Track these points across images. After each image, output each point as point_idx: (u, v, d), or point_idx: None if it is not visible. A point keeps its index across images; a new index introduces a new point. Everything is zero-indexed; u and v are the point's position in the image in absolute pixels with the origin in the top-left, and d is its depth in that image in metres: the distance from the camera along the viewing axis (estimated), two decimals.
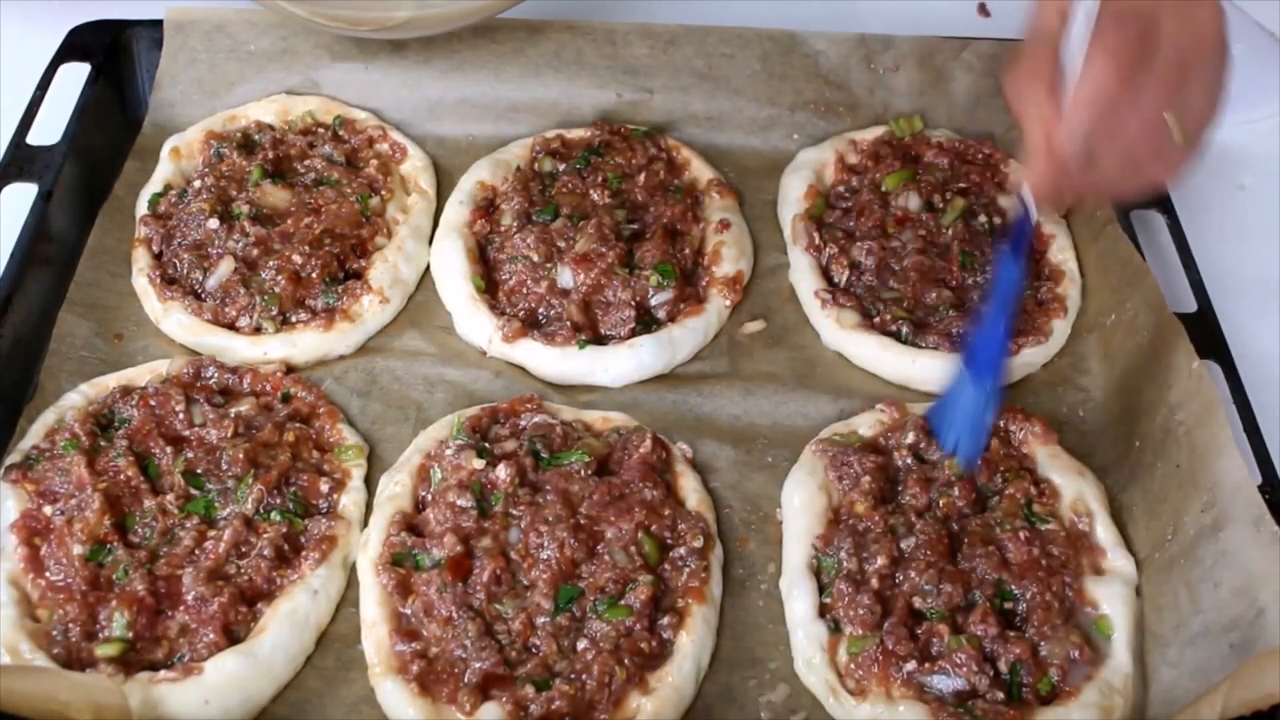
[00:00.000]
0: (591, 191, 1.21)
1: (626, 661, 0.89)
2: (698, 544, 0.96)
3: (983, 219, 1.21)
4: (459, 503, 0.97)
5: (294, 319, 1.12)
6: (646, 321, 1.13)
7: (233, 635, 0.91)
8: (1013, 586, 0.94)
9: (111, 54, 1.29)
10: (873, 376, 1.13)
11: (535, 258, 1.14)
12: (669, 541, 0.97)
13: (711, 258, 1.18)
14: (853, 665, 0.91)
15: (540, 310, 1.13)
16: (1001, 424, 1.05)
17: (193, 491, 0.98)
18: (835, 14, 1.41)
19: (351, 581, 0.97)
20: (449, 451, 1.01)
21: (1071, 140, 0.88)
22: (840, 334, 1.13)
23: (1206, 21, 0.90)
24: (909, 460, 1.03)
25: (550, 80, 1.30)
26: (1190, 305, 1.11)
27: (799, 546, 0.98)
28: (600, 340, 1.12)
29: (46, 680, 0.81)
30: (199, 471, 0.99)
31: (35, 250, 1.11)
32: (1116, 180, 0.93)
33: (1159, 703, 0.90)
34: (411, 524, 0.98)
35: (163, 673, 0.88)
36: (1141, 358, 1.06)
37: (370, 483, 1.03)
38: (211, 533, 0.95)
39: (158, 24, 1.29)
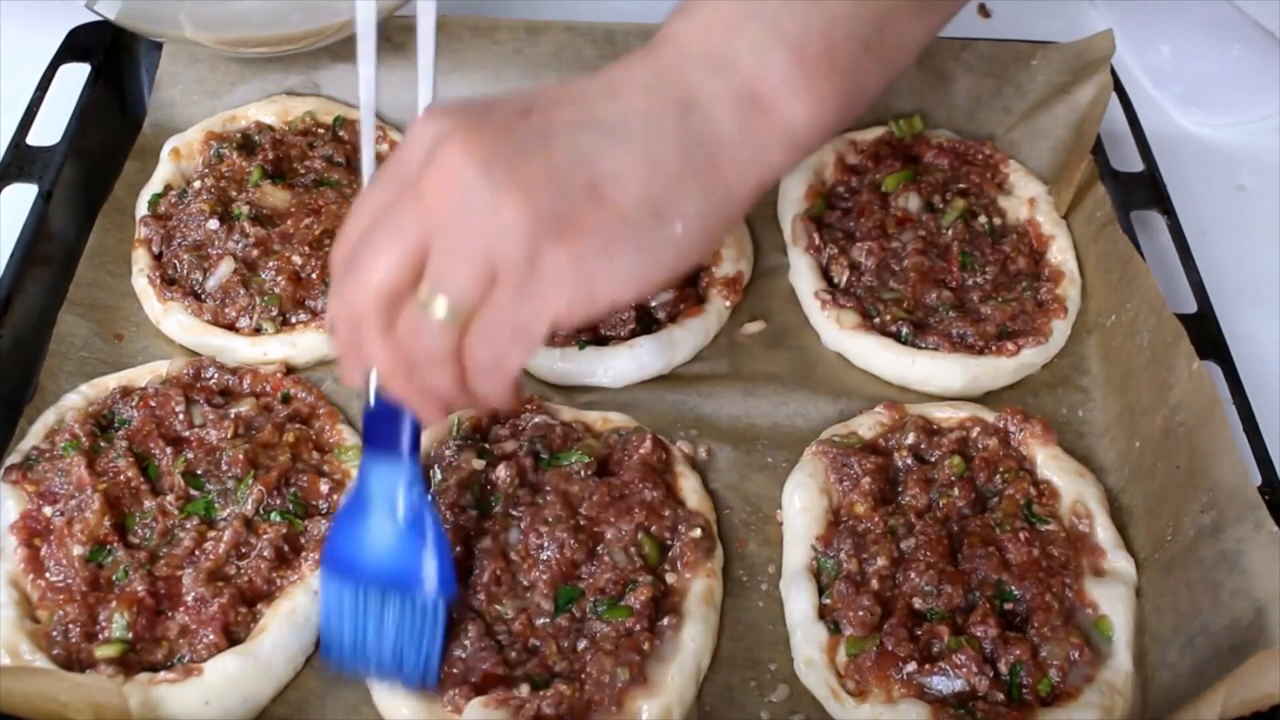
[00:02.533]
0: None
1: (627, 662, 0.89)
2: (695, 534, 0.96)
3: (983, 219, 1.21)
4: (459, 502, 0.97)
5: (294, 319, 1.12)
6: (646, 322, 1.13)
7: (233, 636, 0.91)
8: (1013, 587, 0.94)
9: (111, 54, 1.29)
10: (873, 377, 1.13)
11: None
12: (669, 542, 0.97)
13: (711, 258, 1.18)
14: (852, 666, 0.91)
15: None
16: (1001, 424, 1.05)
17: (193, 492, 0.98)
18: None
19: None
20: (448, 451, 1.01)
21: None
22: (840, 334, 1.13)
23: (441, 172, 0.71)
24: (909, 461, 1.03)
25: (550, 80, 1.30)
26: (1190, 305, 1.11)
27: (799, 548, 0.98)
28: (600, 340, 1.12)
29: (46, 681, 0.81)
30: (199, 472, 0.99)
31: (35, 250, 1.11)
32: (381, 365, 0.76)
33: (1159, 703, 0.90)
34: None
35: (162, 674, 0.88)
36: (1141, 358, 1.06)
37: None
38: (211, 533, 0.95)
39: None
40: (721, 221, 0.76)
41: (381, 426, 0.84)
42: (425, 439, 1.04)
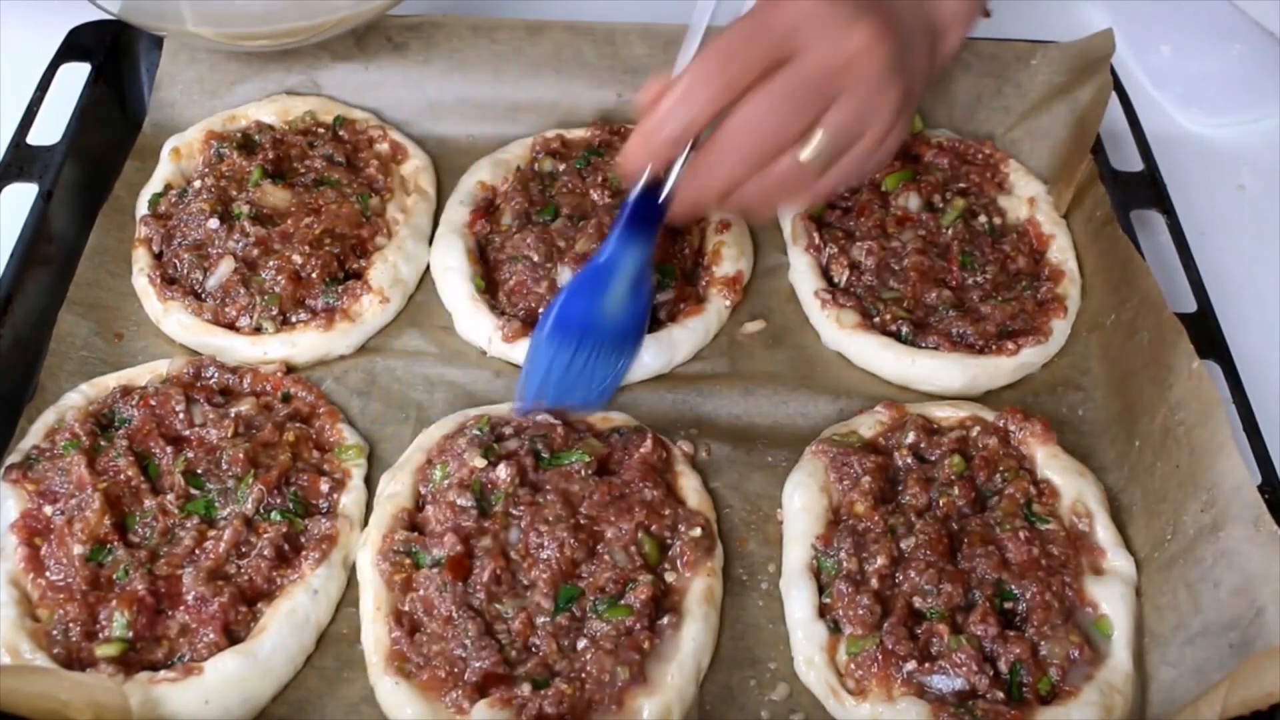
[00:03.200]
0: (591, 191, 1.21)
1: (627, 661, 0.89)
2: (695, 533, 0.96)
3: (983, 219, 1.21)
4: (459, 502, 0.97)
5: (294, 319, 1.12)
6: None
7: (233, 635, 0.91)
8: (1013, 586, 0.94)
9: (111, 54, 1.29)
10: (873, 376, 1.13)
11: (535, 258, 1.14)
12: (669, 541, 0.97)
13: (711, 258, 1.18)
14: (852, 665, 0.91)
15: (541, 310, 1.13)
16: (1001, 424, 1.05)
17: (193, 491, 0.98)
18: None
19: (351, 581, 0.97)
20: (462, 441, 1.00)
21: (666, 118, 0.88)
22: (840, 334, 1.13)
23: (860, 46, 0.87)
24: (909, 460, 1.03)
25: (550, 80, 1.30)
26: (1190, 305, 1.11)
27: (799, 547, 0.98)
28: None
29: (46, 680, 0.81)
30: (199, 471, 0.99)
31: (35, 250, 1.11)
32: (721, 181, 0.90)
33: (1159, 702, 0.90)
34: (412, 523, 0.98)
35: (162, 673, 0.88)
36: (1141, 358, 1.06)
37: (370, 482, 1.03)
38: (211, 533, 0.96)
39: None
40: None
41: (643, 210, 0.98)
42: (426, 438, 1.04)
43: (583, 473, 0.99)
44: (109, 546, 0.94)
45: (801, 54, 0.87)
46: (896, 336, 1.12)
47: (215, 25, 1.18)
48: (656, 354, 1.11)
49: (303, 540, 0.97)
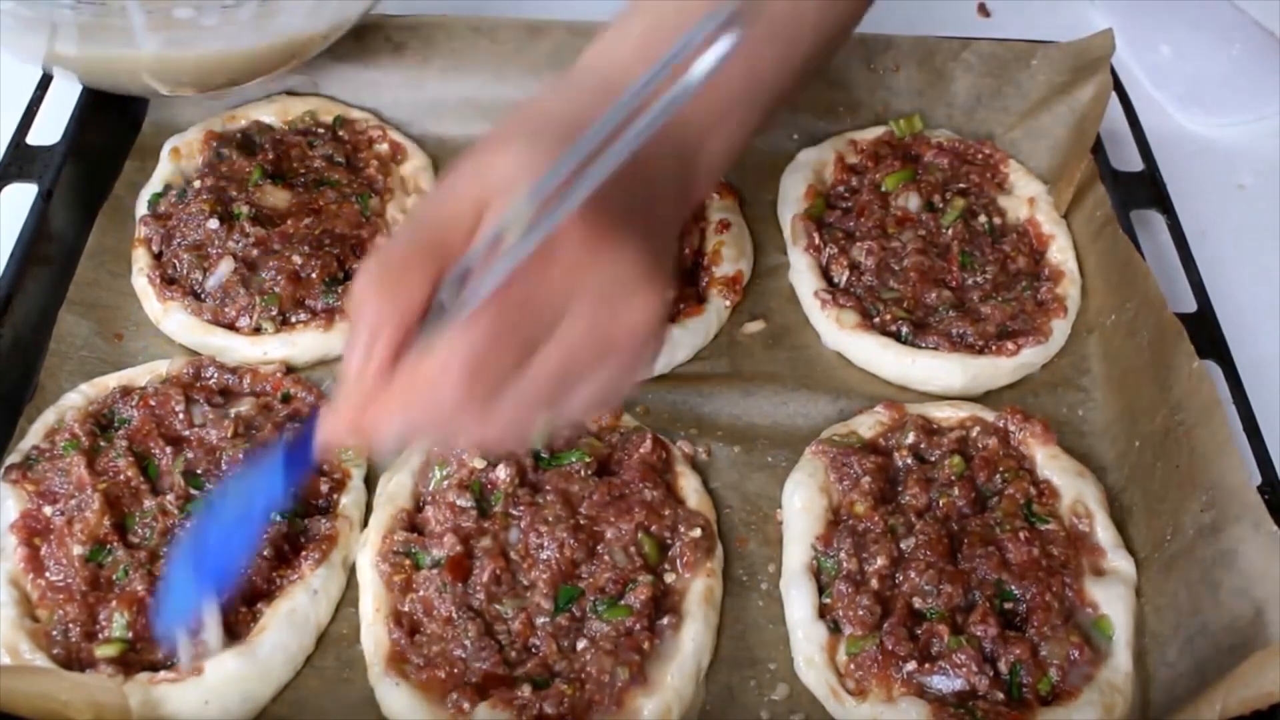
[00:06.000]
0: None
1: (626, 661, 0.89)
2: (695, 534, 0.96)
3: (983, 219, 1.21)
4: (459, 503, 0.97)
5: (294, 319, 1.12)
6: None
7: (233, 635, 0.91)
8: (1013, 587, 0.94)
9: None
10: (873, 376, 1.13)
11: None
12: (669, 542, 0.97)
13: (711, 258, 1.18)
14: (852, 665, 0.91)
15: None
16: (1001, 424, 1.05)
17: (193, 491, 0.98)
18: None
19: (351, 581, 0.97)
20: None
21: (395, 414, 0.70)
22: (840, 334, 1.13)
23: (638, 320, 0.71)
24: (909, 460, 1.03)
25: (550, 80, 1.30)
26: (1190, 305, 1.11)
27: (799, 547, 0.98)
28: None
29: (46, 680, 0.81)
30: (199, 472, 0.99)
31: (35, 250, 1.11)
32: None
33: (1159, 702, 0.91)
34: (412, 524, 0.98)
35: (162, 673, 0.88)
36: (1141, 358, 1.06)
37: (370, 483, 1.03)
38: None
39: None
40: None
41: (301, 458, 0.82)
42: None
43: (582, 473, 0.99)
44: (109, 547, 0.94)
45: (566, 331, 0.70)
46: (896, 336, 1.12)
47: (172, 85, 1.18)
48: None
49: (303, 541, 0.97)
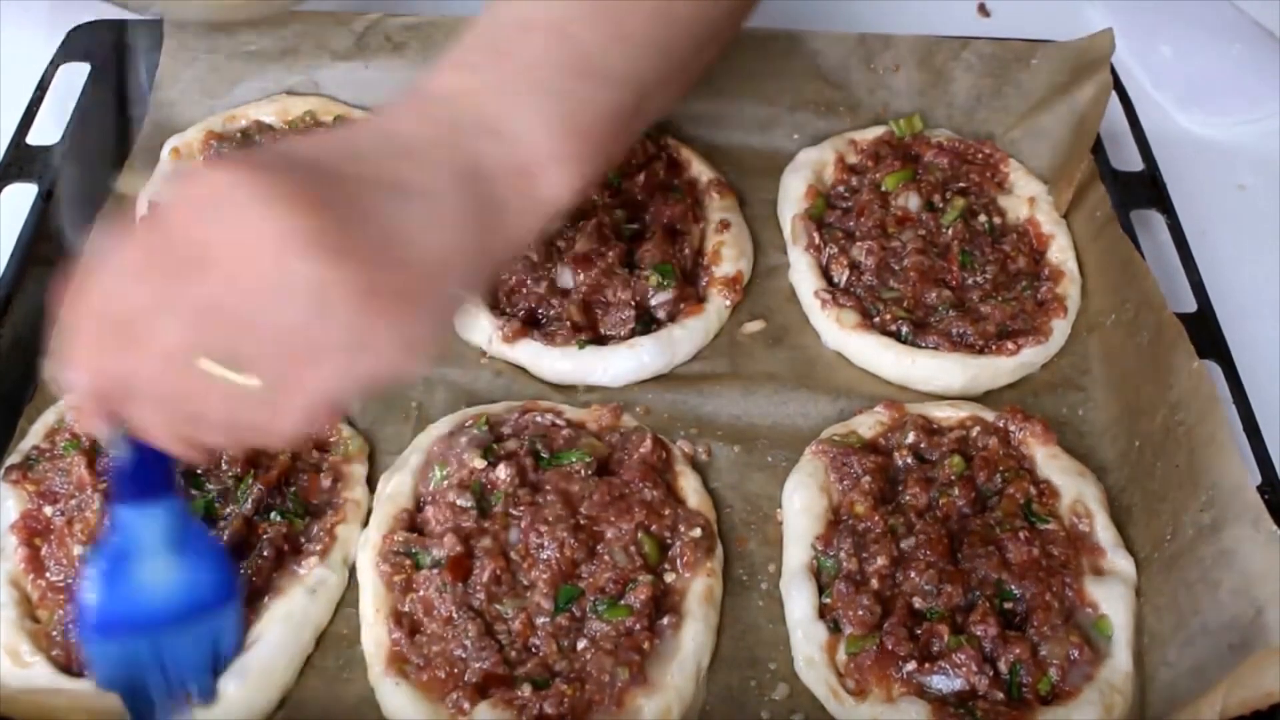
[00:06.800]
0: (591, 190, 1.21)
1: (626, 661, 0.89)
2: (695, 534, 0.96)
3: (983, 219, 1.21)
4: (459, 502, 0.97)
5: None
6: (646, 321, 1.13)
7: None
8: (1013, 586, 0.94)
9: (111, 54, 1.28)
10: (873, 376, 1.13)
11: (534, 257, 1.14)
12: (669, 541, 0.97)
13: (711, 258, 1.19)
14: (852, 665, 0.91)
15: (540, 310, 1.13)
16: (1001, 423, 1.05)
17: (193, 491, 0.98)
18: (835, 14, 1.41)
19: (351, 582, 0.97)
20: (462, 441, 1.00)
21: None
22: (840, 334, 1.13)
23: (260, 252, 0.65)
24: (909, 460, 1.03)
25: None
26: (1190, 305, 1.11)
27: (799, 547, 0.98)
28: (600, 340, 1.12)
29: (44, 696, 0.80)
30: (199, 472, 0.99)
31: (35, 250, 1.11)
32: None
33: (1159, 702, 0.90)
34: (412, 524, 0.98)
35: None
36: (1141, 358, 1.06)
37: (370, 482, 1.03)
38: (211, 533, 0.95)
39: (158, 24, 1.28)
40: (481, 280, 0.86)
41: (139, 476, 0.79)
42: (427, 438, 1.04)
43: (583, 473, 0.99)
44: None
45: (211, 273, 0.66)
46: (896, 336, 1.12)
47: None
48: (656, 354, 1.11)
49: (303, 541, 0.97)
